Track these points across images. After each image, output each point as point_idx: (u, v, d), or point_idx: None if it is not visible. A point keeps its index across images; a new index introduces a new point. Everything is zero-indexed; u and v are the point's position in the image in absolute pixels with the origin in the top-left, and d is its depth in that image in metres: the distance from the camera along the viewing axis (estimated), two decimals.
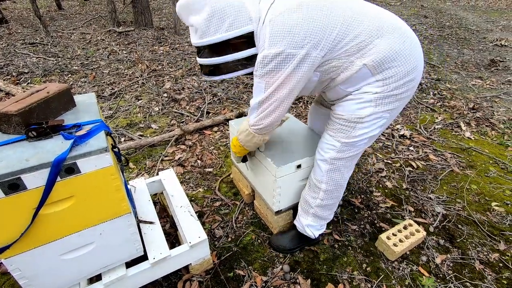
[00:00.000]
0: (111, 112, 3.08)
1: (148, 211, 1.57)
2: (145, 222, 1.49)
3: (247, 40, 1.17)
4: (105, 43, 5.61)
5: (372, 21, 1.12)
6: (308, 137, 1.70)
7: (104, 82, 3.85)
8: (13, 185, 0.87)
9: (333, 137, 1.33)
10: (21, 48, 5.18)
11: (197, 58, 1.29)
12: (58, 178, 0.93)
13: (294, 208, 1.69)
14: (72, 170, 0.95)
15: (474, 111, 3.23)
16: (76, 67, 4.37)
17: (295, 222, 1.62)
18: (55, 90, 1.15)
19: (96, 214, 1.07)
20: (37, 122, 1.04)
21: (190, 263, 1.46)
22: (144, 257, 1.32)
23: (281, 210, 1.63)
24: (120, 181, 1.06)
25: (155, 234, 1.43)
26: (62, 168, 0.92)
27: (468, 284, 1.47)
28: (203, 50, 1.22)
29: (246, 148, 1.44)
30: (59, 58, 4.73)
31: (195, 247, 1.40)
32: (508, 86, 3.93)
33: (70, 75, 4.09)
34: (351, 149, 1.32)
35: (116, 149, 1.22)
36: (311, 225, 1.54)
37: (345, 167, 1.38)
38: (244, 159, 1.62)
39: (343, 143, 1.30)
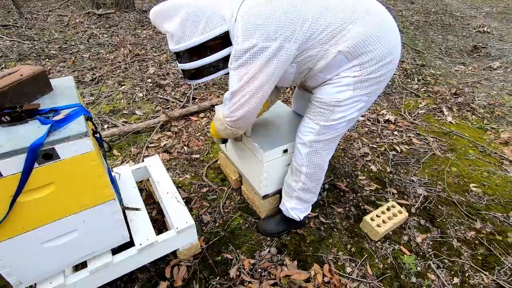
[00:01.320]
0: (93, 98, 2.98)
1: (134, 198, 1.54)
2: (131, 208, 1.47)
3: (223, 40, 1.17)
4: (84, 26, 5.35)
5: (344, 7, 1.12)
6: (293, 121, 1.70)
7: (84, 67, 3.70)
8: None
9: (312, 120, 1.34)
10: None
11: (178, 64, 1.29)
12: (36, 165, 0.90)
13: (280, 193, 1.70)
14: (50, 156, 0.91)
15: (456, 96, 3.31)
16: (54, 51, 4.16)
17: (280, 206, 1.64)
18: (29, 72, 1.09)
19: (78, 201, 1.05)
20: (11, 106, 0.99)
21: (178, 249, 1.46)
22: (131, 244, 1.31)
23: (268, 194, 1.64)
24: (102, 167, 1.03)
25: (141, 221, 1.42)
26: (39, 154, 0.88)
27: (446, 260, 1.54)
28: (182, 55, 1.21)
29: (221, 135, 1.43)
30: (35, 42, 4.49)
31: (182, 232, 1.40)
32: (489, 72, 4.03)
33: (47, 59, 3.90)
34: (329, 132, 1.33)
35: (97, 135, 1.18)
36: (295, 208, 1.56)
37: (324, 150, 1.39)
38: (224, 140, 1.61)
39: (322, 126, 1.32)
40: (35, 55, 3.98)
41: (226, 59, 1.20)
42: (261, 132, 1.57)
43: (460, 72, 4.01)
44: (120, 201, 1.42)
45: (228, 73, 1.27)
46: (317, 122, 1.32)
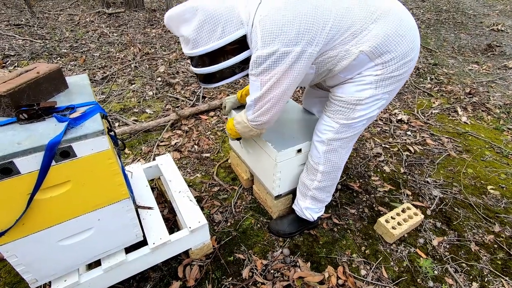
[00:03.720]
0: (104, 96, 3.00)
1: (146, 196, 1.54)
2: (144, 207, 1.47)
3: (240, 44, 1.15)
4: (95, 25, 5.39)
5: (365, 7, 1.10)
6: (307, 120, 1.68)
7: (95, 66, 3.73)
8: (6, 170, 0.83)
9: (332, 119, 1.31)
10: (6, 30, 4.95)
11: (192, 68, 1.27)
12: (53, 162, 0.89)
13: (293, 193, 1.68)
14: (68, 154, 0.91)
15: (471, 96, 3.23)
16: (65, 50, 4.21)
17: (293, 206, 1.62)
18: (46, 70, 1.09)
19: (94, 200, 1.04)
20: (28, 104, 0.99)
21: (190, 248, 1.45)
22: (143, 243, 1.31)
23: (280, 194, 1.62)
24: (117, 165, 1.03)
25: (154, 220, 1.41)
26: (56, 152, 0.88)
27: (464, 265, 1.50)
28: (197, 60, 1.19)
29: (242, 136, 1.43)
30: (47, 41, 4.54)
31: (195, 231, 1.39)
32: (504, 71, 3.93)
33: (59, 58, 3.94)
34: (349, 130, 1.31)
35: (112, 133, 1.18)
36: (309, 207, 1.54)
37: (342, 148, 1.37)
38: (238, 138, 1.60)
39: (342, 124, 1.30)
40: (47, 54, 4.02)
41: (242, 62, 1.19)
42: (274, 131, 1.55)
43: (474, 71, 3.92)
44: (133, 200, 1.42)
45: (243, 76, 1.26)
46: (337, 121, 1.30)
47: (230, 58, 1.16)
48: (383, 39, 1.10)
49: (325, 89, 1.62)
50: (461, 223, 1.73)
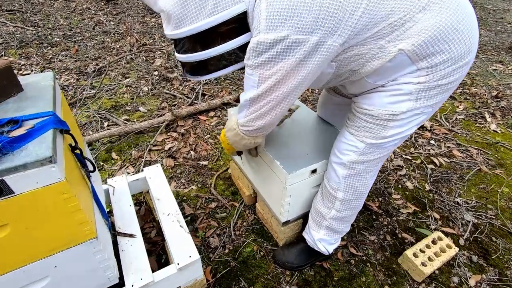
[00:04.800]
0: (94, 91, 2.73)
1: (129, 219, 1.29)
2: (124, 235, 1.21)
3: (239, 23, 0.84)
4: (91, 12, 5.09)
5: None
6: (323, 131, 1.40)
7: (87, 57, 3.45)
8: None
9: (356, 137, 1.04)
10: None
11: (176, 54, 0.97)
12: None
13: (303, 217, 1.42)
14: (0, 191, 0.64)
15: (498, 100, 2.92)
16: (58, 39, 3.92)
17: (304, 234, 1.36)
18: None
19: (45, 244, 0.79)
20: None
21: (179, 286, 1.20)
22: (121, 282, 1.06)
23: (289, 220, 1.36)
24: (76, 200, 0.76)
25: (135, 251, 1.16)
26: None
27: None
28: (181, 43, 0.90)
29: (234, 147, 1.16)
30: (39, 28, 4.25)
31: (185, 269, 1.13)
32: None
33: (49, 47, 3.66)
34: (377, 151, 1.04)
35: (78, 151, 0.91)
36: (324, 239, 1.28)
37: (368, 172, 1.10)
38: (239, 152, 1.34)
39: (368, 144, 1.02)
40: (37, 42, 3.75)
41: (240, 49, 0.89)
42: (282, 146, 1.28)
43: (499, 72, 3.59)
44: (110, 227, 1.16)
45: (241, 69, 0.97)
46: (362, 140, 1.03)
47: (225, 43, 0.86)
48: (433, 35, 0.81)
49: (344, 95, 1.34)
50: (501, 257, 1.46)
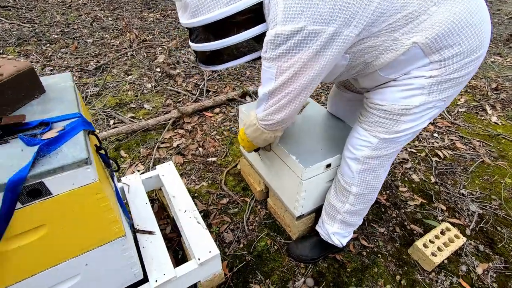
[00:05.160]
0: (97, 89, 2.71)
1: (146, 216, 1.31)
2: (144, 232, 1.23)
3: (255, 13, 0.86)
4: (88, 8, 5.01)
5: None
6: (334, 127, 1.43)
7: (88, 54, 3.42)
8: None
9: (369, 132, 1.06)
10: None
11: (190, 43, 0.98)
12: (19, 205, 0.65)
13: (316, 211, 1.45)
14: (39, 192, 0.66)
15: (498, 92, 2.97)
16: (56, 36, 3.87)
17: (317, 228, 1.39)
18: (12, 71, 0.83)
19: (78, 243, 0.81)
20: None
21: (199, 281, 1.23)
22: (144, 278, 1.08)
23: (303, 215, 1.39)
24: (108, 200, 0.78)
25: (155, 248, 1.18)
26: (22, 192, 0.63)
27: None
28: (197, 32, 0.92)
29: (255, 144, 1.17)
30: (36, 25, 4.19)
31: (206, 263, 1.16)
32: None
33: (48, 44, 3.62)
34: (390, 146, 1.07)
35: (102, 152, 0.93)
36: (338, 232, 1.32)
37: (381, 167, 1.13)
38: (256, 149, 1.36)
39: (381, 139, 1.05)
40: (36, 40, 3.69)
41: (255, 40, 0.91)
42: (296, 142, 1.30)
43: (497, 64, 3.64)
44: (131, 224, 1.19)
45: (254, 60, 0.98)
46: (376, 135, 1.05)
47: (240, 33, 0.88)
48: (447, 28, 0.83)
49: (355, 91, 1.36)
50: (506, 245, 1.51)
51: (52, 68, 3.07)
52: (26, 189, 0.64)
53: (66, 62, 3.19)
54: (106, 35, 3.94)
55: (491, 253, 1.48)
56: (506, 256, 1.46)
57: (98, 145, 0.91)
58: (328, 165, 1.24)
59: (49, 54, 3.37)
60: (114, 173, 1.11)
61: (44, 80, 0.97)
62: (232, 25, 0.87)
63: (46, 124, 0.77)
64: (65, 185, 0.68)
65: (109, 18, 4.56)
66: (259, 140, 1.13)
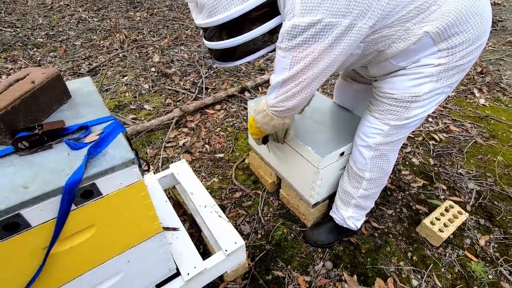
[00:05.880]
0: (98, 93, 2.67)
1: (167, 214, 1.34)
2: (169, 229, 1.27)
3: (269, 7, 0.89)
4: (71, 9, 4.87)
5: None
6: (342, 116, 1.49)
7: (78, 56, 3.35)
8: (11, 225, 0.61)
9: (380, 120, 1.13)
10: None
11: (205, 42, 1.00)
12: (73, 206, 0.67)
13: (330, 198, 1.52)
14: (91, 193, 0.69)
15: (483, 75, 3.11)
16: (41, 39, 3.76)
17: (332, 214, 1.46)
18: (42, 78, 0.84)
19: (123, 241, 0.84)
20: (27, 127, 0.75)
21: (226, 271, 1.28)
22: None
23: (318, 202, 1.46)
24: (150, 198, 0.82)
25: (182, 243, 1.23)
26: (77, 193, 0.66)
27: None
28: (212, 31, 0.95)
29: (263, 130, 1.21)
30: (18, 29, 4.05)
31: (232, 254, 1.21)
32: (510, 47, 3.83)
33: (35, 49, 3.52)
34: (400, 132, 1.13)
35: (134, 152, 0.95)
36: (352, 216, 1.39)
37: (392, 152, 1.20)
38: (264, 140, 1.41)
39: (392, 126, 1.11)
40: (21, 44, 3.59)
41: (270, 33, 0.94)
42: (307, 131, 1.36)
43: None
44: None
45: (270, 52, 1.01)
46: (387, 122, 1.12)
47: (257, 27, 0.90)
48: (455, 17, 0.88)
49: (361, 81, 1.43)
50: (504, 218, 1.63)
51: None
52: (80, 191, 0.67)
53: (57, 66, 3.12)
54: (94, 37, 3.86)
55: (491, 226, 1.59)
56: (505, 228, 1.58)
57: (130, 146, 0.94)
58: (342, 154, 1.31)
59: (38, 58, 3.28)
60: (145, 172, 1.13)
61: (67, 86, 0.98)
62: (248, 21, 0.90)
63: (86, 128, 0.79)
64: (114, 185, 0.71)
65: (95, 19, 4.46)
66: (268, 126, 1.15)
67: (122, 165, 0.70)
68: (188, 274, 1.11)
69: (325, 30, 0.83)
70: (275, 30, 0.93)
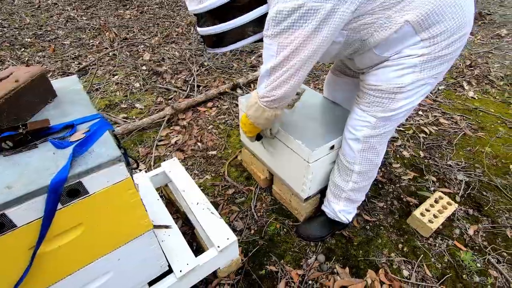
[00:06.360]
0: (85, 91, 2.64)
1: (159, 212, 1.34)
2: (160, 226, 1.27)
3: None
4: (59, 8, 4.80)
5: None
6: (332, 111, 1.50)
7: (67, 56, 3.30)
8: None
9: (367, 112, 1.14)
10: None
11: (198, 28, 1.04)
12: (59, 205, 0.67)
13: (321, 192, 1.53)
14: (77, 192, 0.69)
15: (472, 68, 3.16)
16: (29, 39, 3.70)
17: (323, 208, 1.48)
18: (26, 77, 0.83)
19: (112, 239, 0.84)
20: (11, 126, 0.74)
21: (219, 267, 1.29)
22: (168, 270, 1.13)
23: (310, 196, 1.47)
24: (138, 196, 0.82)
25: (174, 240, 1.23)
26: (63, 192, 0.66)
27: (504, 253, 1.44)
28: (204, 18, 0.98)
29: (257, 125, 1.21)
30: (5, 29, 3.99)
31: (225, 250, 1.22)
32: (497, 40, 3.88)
33: (23, 49, 3.46)
34: (387, 124, 1.15)
35: (122, 150, 0.95)
36: (343, 210, 1.40)
37: (380, 144, 1.22)
38: (258, 137, 1.41)
39: (379, 118, 1.13)
40: (8, 45, 3.53)
41: (258, 21, 0.97)
42: (297, 126, 1.37)
43: (469, 42, 3.84)
44: None
45: (255, 42, 1.04)
46: (374, 114, 1.13)
47: (243, 14, 0.95)
48: (436, 5, 0.90)
49: (350, 75, 1.44)
50: (492, 207, 1.66)
51: None
52: (66, 189, 0.66)
53: (45, 66, 3.08)
54: (83, 36, 3.81)
55: (479, 216, 1.62)
56: (493, 217, 1.61)
57: (118, 144, 0.93)
58: (332, 147, 1.32)
59: (26, 59, 3.23)
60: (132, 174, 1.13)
61: (53, 84, 0.97)
62: (236, 8, 0.94)
63: (71, 127, 0.78)
64: (101, 183, 0.71)
65: (84, 18, 4.40)
66: (261, 119, 1.15)
67: (109, 163, 0.70)
68: (180, 271, 1.11)
69: (308, 14, 0.84)
70: (263, 19, 0.95)
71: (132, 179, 1.05)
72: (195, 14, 1.00)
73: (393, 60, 1.03)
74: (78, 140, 0.73)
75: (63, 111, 0.87)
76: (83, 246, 0.78)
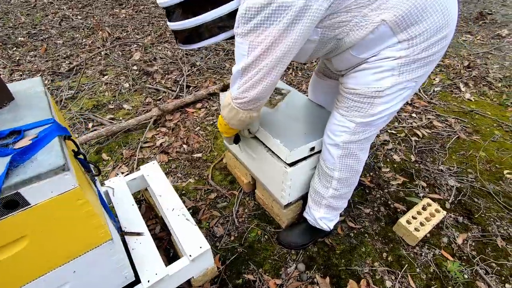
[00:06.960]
0: (72, 92, 2.62)
1: (133, 218, 1.30)
2: (132, 234, 1.23)
3: None
4: (55, 7, 4.78)
5: None
6: (316, 113, 1.44)
7: (59, 55, 3.28)
8: None
9: (346, 117, 1.09)
10: None
11: (168, 23, 0.99)
12: None
13: (303, 198, 1.48)
14: (16, 203, 0.64)
15: (470, 69, 3.08)
16: (22, 38, 3.68)
17: (305, 214, 1.43)
18: None
19: (64, 251, 0.79)
20: None
21: (192, 276, 1.24)
22: (136, 280, 1.08)
23: (290, 202, 1.42)
24: (90, 206, 0.77)
25: (145, 248, 1.18)
26: None
27: (493, 264, 1.38)
28: (174, 12, 0.93)
29: (231, 126, 1.16)
30: None
31: (197, 259, 1.17)
32: (498, 40, 3.79)
33: (15, 48, 3.44)
34: (367, 130, 1.10)
35: (81, 156, 0.90)
36: (324, 217, 1.35)
37: (360, 150, 1.16)
38: (236, 140, 1.36)
39: (358, 123, 1.07)
40: (0, 44, 3.50)
41: (229, 16, 0.92)
42: (278, 126, 1.31)
43: (468, 42, 3.76)
44: (118, 227, 1.17)
45: (232, 38, 0.98)
46: (352, 119, 1.08)
47: (214, 9, 0.90)
48: (413, 5, 0.85)
49: (333, 77, 1.38)
50: (483, 215, 1.60)
51: (21, 73, 2.94)
52: (1, 201, 0.62)
53: (36, 66, 3.05)
54: (77, 35, 3.78)
55: (469, 224, 1.56)
56: (483, 225, 1.55)
57: (76, 150, 0.89)
58: (312, 148, 1.26)
59: (17, 58, 3.21)
60: (96, 177, 1.09)
61: (12, 87, 0.93)
62: (207, 2, 0.89)
63: (18, 133, 0.74)
64: (44, 194, 0.67)
65: (79, 17, 4.37)
66: (235, 121, 1.10)
67: (50, 173, 0.65)
68: (148, 281, 1.07)
69: (279, 11, 0.80)
70: (234, 15, 0.90)
71: (96, 186, 1.02)
72: (164, 8, 0.95)
73: (371, 63, 0.98)
74: (20, 147, 0.68)
75: (17, 115, 0.83)
76: (31, 259, 0.74)
